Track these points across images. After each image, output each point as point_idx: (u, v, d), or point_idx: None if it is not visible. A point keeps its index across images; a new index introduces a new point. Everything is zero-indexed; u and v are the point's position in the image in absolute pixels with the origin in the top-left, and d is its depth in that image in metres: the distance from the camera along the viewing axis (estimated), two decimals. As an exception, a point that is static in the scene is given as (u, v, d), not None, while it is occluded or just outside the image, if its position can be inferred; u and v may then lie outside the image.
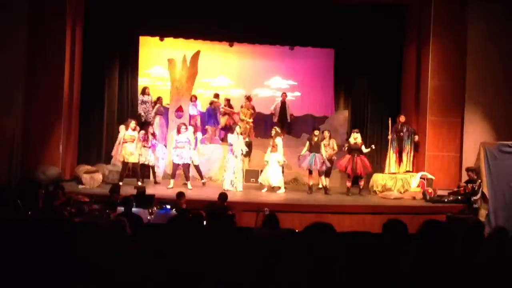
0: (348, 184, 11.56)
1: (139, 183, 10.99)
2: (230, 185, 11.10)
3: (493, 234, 4.92)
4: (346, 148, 11.70)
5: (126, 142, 11.45)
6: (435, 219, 3.18)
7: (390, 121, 12.15)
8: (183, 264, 3.42)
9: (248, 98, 14.05)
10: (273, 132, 11.66)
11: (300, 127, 13.93)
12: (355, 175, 11.58)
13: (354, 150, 11.45)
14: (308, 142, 11.58)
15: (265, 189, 11.46)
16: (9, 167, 10.20)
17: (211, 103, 14.07)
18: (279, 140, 11.46)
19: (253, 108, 14.08)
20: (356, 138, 11.55)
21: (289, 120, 14.40)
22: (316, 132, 11.52)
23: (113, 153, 12.03)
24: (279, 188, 11.41)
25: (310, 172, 11.55)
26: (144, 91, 13.61)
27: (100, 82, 12.73)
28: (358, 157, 11.38)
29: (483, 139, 10.87)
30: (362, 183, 11.61)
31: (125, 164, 11.42)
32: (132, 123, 11.62)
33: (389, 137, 12.12)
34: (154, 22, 12.66)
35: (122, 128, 11.95)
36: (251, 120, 13.81)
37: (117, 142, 11.88)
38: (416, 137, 12.05)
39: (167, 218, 4.17)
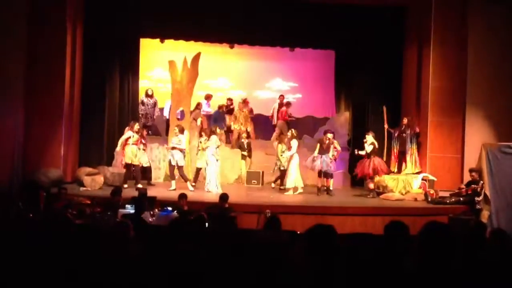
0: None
1: (139, 185, 10.97)
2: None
3: (492, 236, 4.90)
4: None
5: (130, 144, 11.41)
6: (437, 221, 3.17)
7: (384, 110, 12.24)
8: (185, 266, 3.41)
9: (244, 101, 14.00)
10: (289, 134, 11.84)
11: (301, 129, 13.89)
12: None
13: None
14: (319, 144, 11.59)
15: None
16: (11, 169, 10.20)
17: (220, 107, 14.05)
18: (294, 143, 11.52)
19: (251, 111, 14.04)
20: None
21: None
22: (330, 135, 11.49)
23: (124, 157, 11.63)
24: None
25: (320, 174, 11.57)
26: (147, 94, 13.59)
27: (101, 84, 12.71)
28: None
29: (484, 140, 10.84)
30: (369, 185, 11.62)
31: (129, 166, 11.38)
32: (136, 125, 11.61)
33: (386, 126, 12.21)
34: (154, 24, 12.68)
35: (128, 130, 11.77)
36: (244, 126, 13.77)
37: (127, 143, 11.52)
38: (417, 129, 12.07)
39: (169, 220, 4.17)
